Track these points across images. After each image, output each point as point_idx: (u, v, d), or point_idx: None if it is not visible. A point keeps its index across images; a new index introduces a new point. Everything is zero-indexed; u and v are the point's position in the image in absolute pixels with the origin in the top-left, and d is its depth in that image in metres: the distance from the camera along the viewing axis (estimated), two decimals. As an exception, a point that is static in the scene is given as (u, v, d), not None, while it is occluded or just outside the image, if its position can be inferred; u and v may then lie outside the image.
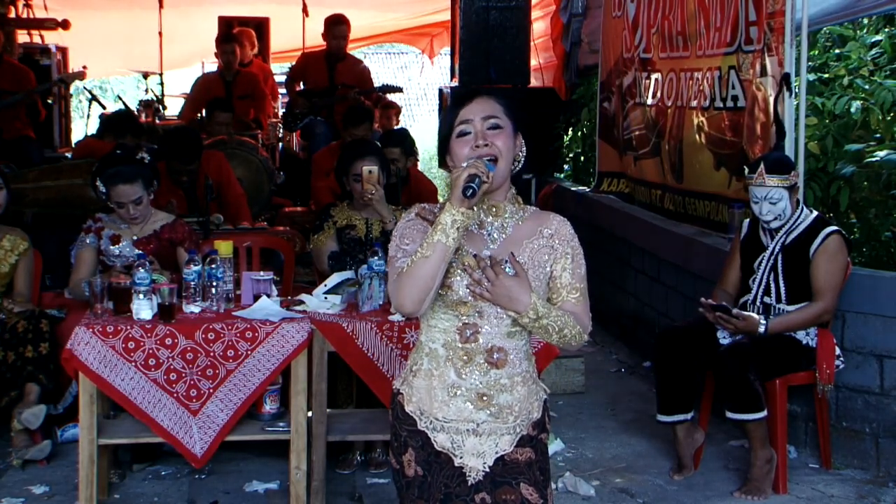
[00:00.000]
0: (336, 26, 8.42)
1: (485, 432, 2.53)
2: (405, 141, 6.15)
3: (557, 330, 2.48)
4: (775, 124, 5.04)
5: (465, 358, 2.51)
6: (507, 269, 2.47)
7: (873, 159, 5.62)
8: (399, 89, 9.31)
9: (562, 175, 9.12)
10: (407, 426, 2.58)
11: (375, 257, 4.28)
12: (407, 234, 2.54)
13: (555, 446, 4.74)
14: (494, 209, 2.55)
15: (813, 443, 4.78)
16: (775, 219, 4.42)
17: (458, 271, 2.50)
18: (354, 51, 10.71)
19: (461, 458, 2.54)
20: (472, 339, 2.51)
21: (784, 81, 5.00)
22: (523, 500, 2.54)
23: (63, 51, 9.36)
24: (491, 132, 2.51)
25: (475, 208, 2.48)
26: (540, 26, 9.26)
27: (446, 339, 2.53)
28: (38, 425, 4.52)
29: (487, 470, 2.53)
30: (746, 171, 4.58)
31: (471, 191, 2.39)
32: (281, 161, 8.80)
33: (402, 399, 2.60)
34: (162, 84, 10.36)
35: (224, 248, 4.35)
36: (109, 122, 7.53)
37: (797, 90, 5.15)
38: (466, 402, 2.52)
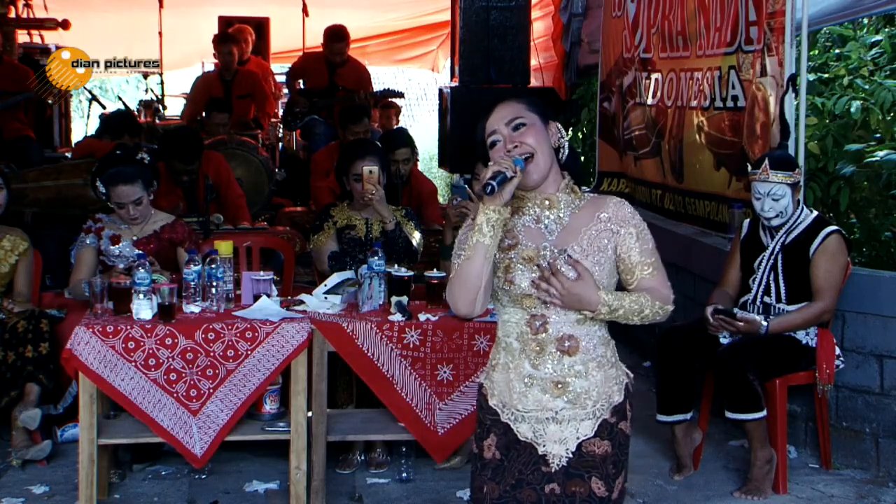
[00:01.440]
0: (334, 43, 8.37)
1: (565, 419, 2.58)
2: (412, 140, 6.16)
3: (637, 312, 2.53)
4: (780, 123, 5.03)
5: (537, 349, 2.57)
6: (567, 270, 2.51)
7: (873, 159, 5.62)
8: (401, 94, 9.30)
9: (562, 175, 9.10)
10: (490, 416, 2.66)
11: (375, 257, 4.28)
12: (462, 241, 2.61)
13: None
14: (548, 202, 2.59)
15: (813, 443, 4.78)
16: (777, 216, 4.42)
17: (519, 266, 2.56)
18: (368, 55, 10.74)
19: (544, 446, 2.59)
20: (542, 329, 2.56)
21: (790, 82, 4.99)
22: (591, 493, 2.58)
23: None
24: (517, 133, 2.55)
25: (531, 203, 2.57)
26: (540, 26, 9.25)
27: (518, 331, 2.60)
28: (37, 426, 4.52)
29: (571, 455, 2.57)
30: (750, 167, 4.59)
31: (489, 188, 2.44)
32: (281, 161, 8.80)
33: (486, 392, 2.68)
34: (162, 84, 10.36)
35: (224, 248, 4.36)
36: (107, 122, 7.53)
37: (798, 90, 5.15)
38: (543, 391, 2.58)
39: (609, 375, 2.61)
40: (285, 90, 9.95)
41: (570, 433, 2.58)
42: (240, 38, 9.10)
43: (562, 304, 2.49)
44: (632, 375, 2.69)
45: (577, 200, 2.61)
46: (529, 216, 2.59)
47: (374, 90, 8.70)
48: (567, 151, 2.62)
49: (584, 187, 2.69)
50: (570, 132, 9.12)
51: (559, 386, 2.57)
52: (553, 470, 2.59)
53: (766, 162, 4.44)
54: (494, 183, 2.43)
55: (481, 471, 2.65)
